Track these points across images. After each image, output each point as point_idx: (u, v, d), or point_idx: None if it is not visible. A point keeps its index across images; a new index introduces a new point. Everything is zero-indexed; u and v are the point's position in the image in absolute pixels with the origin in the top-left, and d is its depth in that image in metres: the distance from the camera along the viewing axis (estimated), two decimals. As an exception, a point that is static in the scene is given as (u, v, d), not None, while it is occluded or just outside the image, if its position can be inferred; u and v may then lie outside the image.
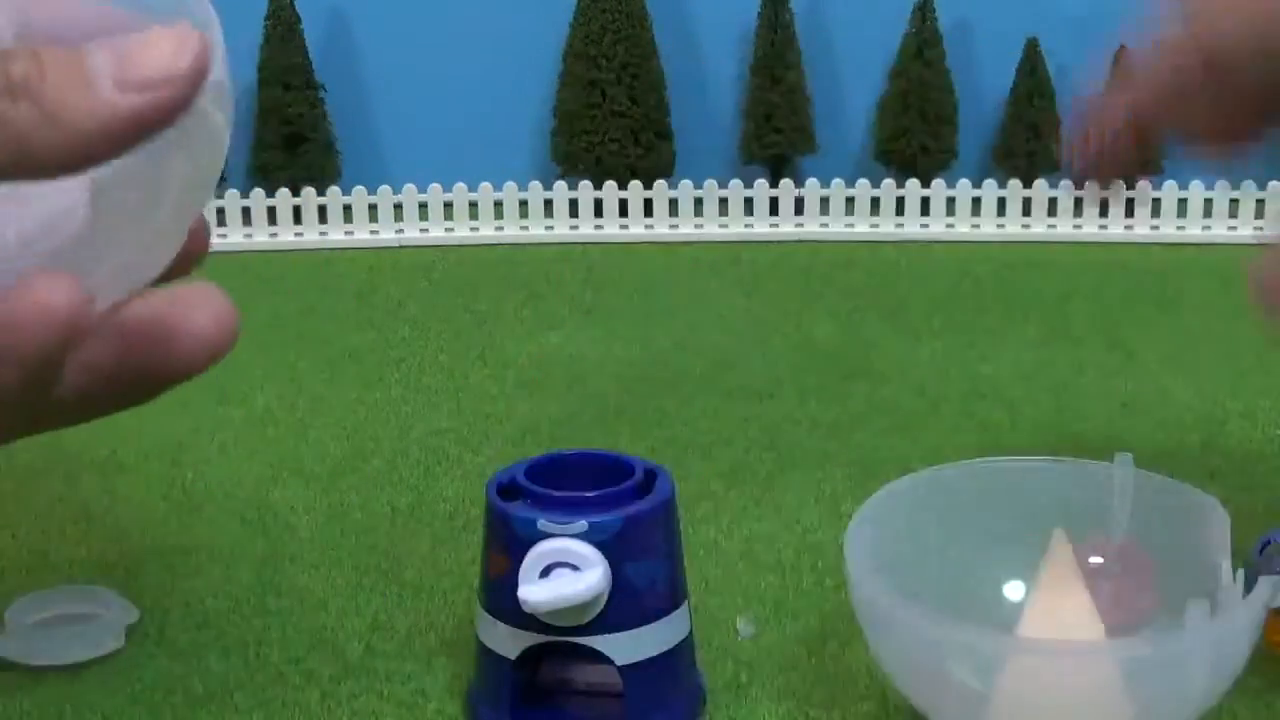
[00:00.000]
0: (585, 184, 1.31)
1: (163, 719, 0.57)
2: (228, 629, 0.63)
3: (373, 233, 1.30)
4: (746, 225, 1.30)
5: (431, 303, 1.12)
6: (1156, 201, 1.28)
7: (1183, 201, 1.27)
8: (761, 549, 0.70)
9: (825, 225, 1.30)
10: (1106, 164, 0.55)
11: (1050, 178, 1.30)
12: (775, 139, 1.36)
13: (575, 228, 1.31)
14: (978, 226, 1.29)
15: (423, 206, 1.30)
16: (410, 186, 1.30)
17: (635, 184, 1.30)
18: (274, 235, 1.30)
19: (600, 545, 0.51)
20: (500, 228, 1.31)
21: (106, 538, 0.72)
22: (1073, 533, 0.56)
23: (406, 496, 0.76)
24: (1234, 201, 1.27)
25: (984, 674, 0.49)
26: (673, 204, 1.31)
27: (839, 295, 1.12)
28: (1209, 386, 0.90)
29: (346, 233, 1.30)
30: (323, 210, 1.30)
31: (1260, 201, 1.26)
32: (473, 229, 1.30)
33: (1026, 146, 1.34)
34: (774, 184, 1.31)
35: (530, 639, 0.53)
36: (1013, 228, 1.29)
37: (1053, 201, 1.29)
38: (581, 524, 0.51)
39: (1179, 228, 1.27)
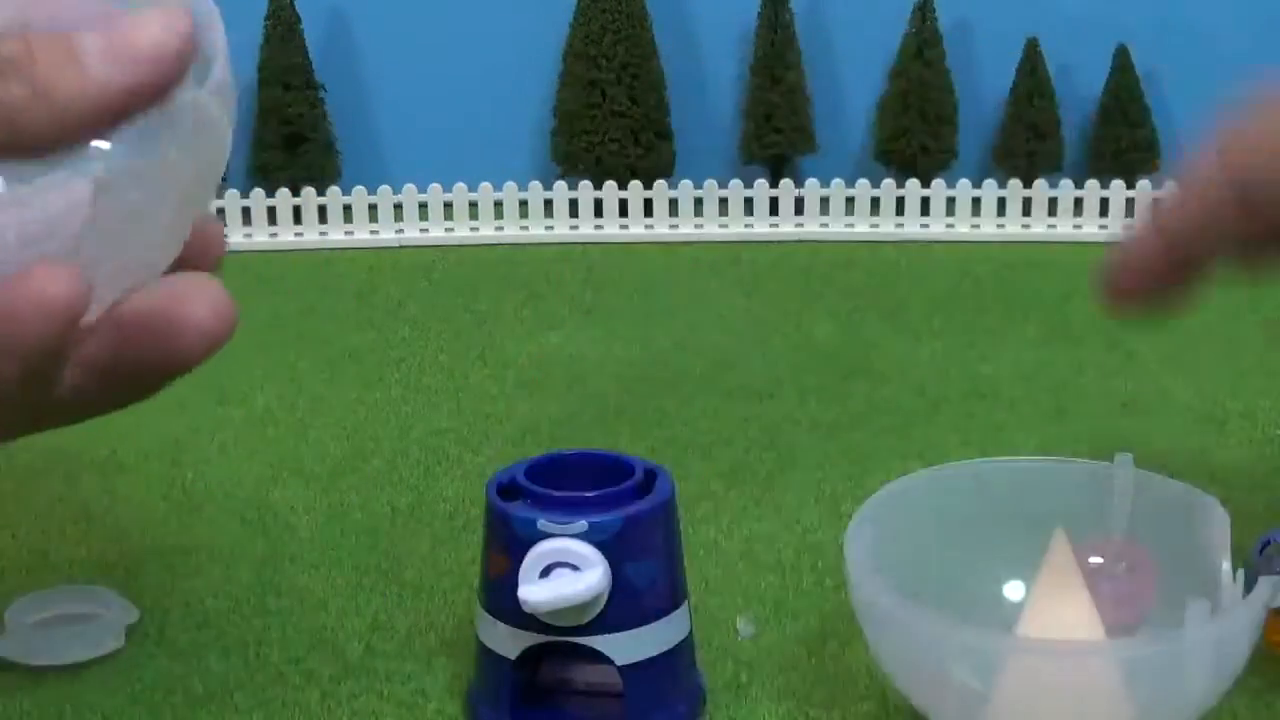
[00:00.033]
0: (585, 184, 1.31)
1: (163, 719, 0.57)
2: (228, 629, 0.63)
3: (373, 233, 1.30)
4: (746, 225, 1.30)
5: (431, 303, 1.12)
6: (1157, 201, 1.28)
7: (1183, 201, 1.27)
8: (761, 549, 0.70)
9: (825, 225, 1.30)
10: (1143, 293, 0.56)
11: (1050, 178, 1.30)
12: (775, 139, 1.36)
13: (575, 228, 1.31)
14: (978, 226, 1.29)
15: (423, 206, 1.30)
16: (410, 186, 1.30)
17: (635, 184, 1.30)
18: (274, 235, 1.30)
19: (600, 545, 0.51)
20: (500, 228, 1.31)
21: (106, 538, 0.72)
22: (1073, 533, 0.56)
23: (406, 496, 0.76)
24: (1234, 201, 1.27)
25: (984, 674, 0.49)
26: (673, 204, 1.31)
27: (839, 295, 1.12)
28: (1209, 386, 0.90)
29: (346, 233, 1.30)
30: (323, 210, 1.30)
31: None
32: (473, 229, 1.30)
33: (1026, 146, 1.34)
34: (774, 184, 1.31)
35: (530, 639, 0.53)
36: (1013, 228, 1.29)
37: (1053, 201, 1.29)
38: (581, 524, 0.51)
39: (1179, 228, 1.27)
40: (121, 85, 0.35)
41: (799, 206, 1.31)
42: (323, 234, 1.30)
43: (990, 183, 1.29)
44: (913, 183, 1.29)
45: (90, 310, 0.36)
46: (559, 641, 0.53)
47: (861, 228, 1.30)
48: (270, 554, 0.70)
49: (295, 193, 1.30)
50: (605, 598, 0.52)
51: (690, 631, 0.56)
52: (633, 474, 0.54)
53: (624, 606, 0.52)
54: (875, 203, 1.30)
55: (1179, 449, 0.81)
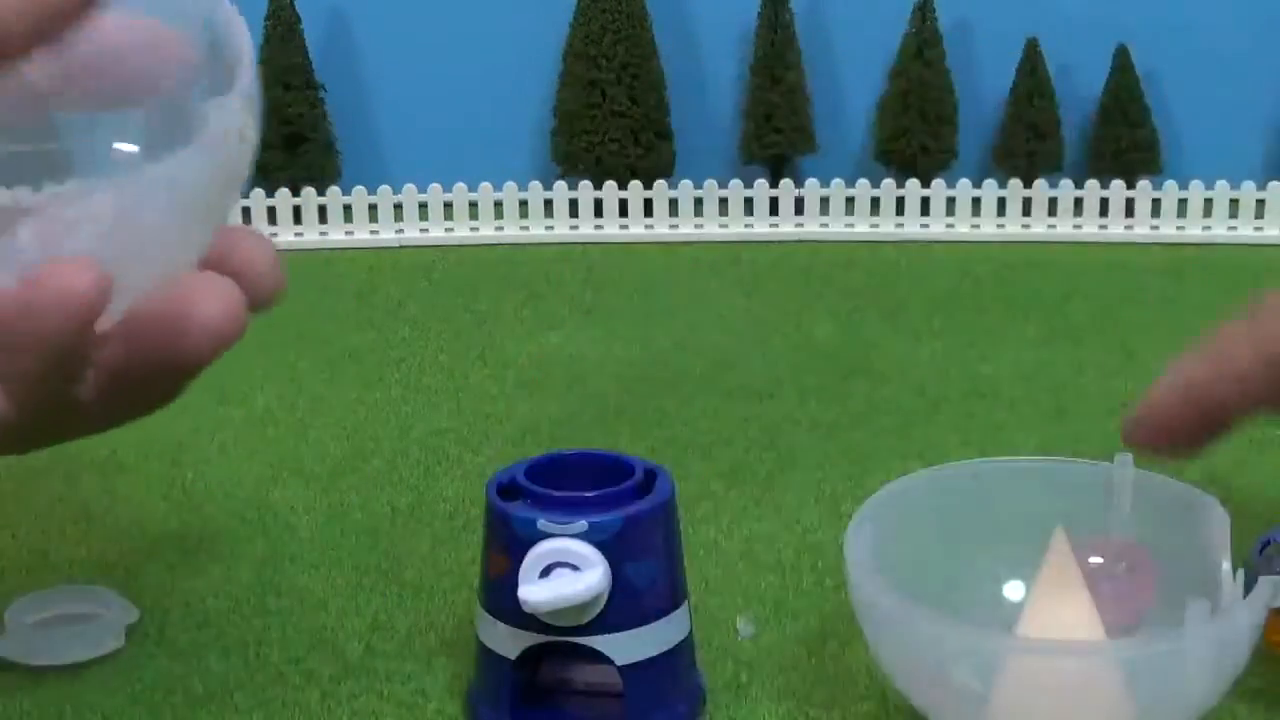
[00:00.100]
0: (585, 184, 1.31)
1: (163, 719, 0.57)
2: (228, 629, 0.63)
3: (373, 233, 1.30)
4: (746, 225, 1.30)
5: (431, 303, 1.12)
6: (1156, 202, 1.28)
7: (1183, 201, 1.27)
8: (761, 549, 0.70)
9: (825, 225, 1.30)
10: (1167, 447, 0.56)
11: (1050, 178, 1.30)
12: (775, 139, 1.36)
13: (575, 228, 1.31)
14: (978, 226, 1.29)
15: (423, 206, 1.30)
16: (410, 186, 1.30)
17: (635, 184, 1.30)
18: (274, 235, 1.30)
19: (600, 545, 0.51)
20: (500, 228, 1.31)
21: (106, 538, 0.72)
22: (1073, 533, 0.56)
23: (406, 496, 0.76)
24: (1234, 201, 1.27)
25: (984, 674, 0.49)
26: (673, 204, 1.31)
27: (839, 295, 1.12)
28: (1209, 386, 0.90)
29: (346, 233, 1.30)
30: (323, 210, 1.30)
31: (1260, 201, 1.26)
32: (473, 229, 1.30)
33: (1026, 146, 1.34)
34: (774, 184, 1.31)
35: (530, 639, 0.53)
36: (1013, 228, 1.29)
37: (1053, 201, 1.29)
38: (581, 524, 0.51)
39: (1179, 228, 1.27)
40: None
41: (799, 206, 1.31)
42: (323, 234, 1.30)
43: (990, 183, 1.29)
44: (913, 183, 1.29)
45: (108, 312, 0.36)
46: (559, 641, 0.53)
47: (861, 228, 1.29)
48: (270, 554, 0.70)
49: (295, 193, 1.30)
50: (605, 598, 0.52)
51: (690, 631, 0.56)
52: (633, 474, 0.54)
53: (624, 606, 0.52)
54: (875, 203, 1.30)
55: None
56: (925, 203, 1.29)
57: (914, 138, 1.35)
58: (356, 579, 0.67)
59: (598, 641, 0.52)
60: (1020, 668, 0.49)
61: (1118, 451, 0.58)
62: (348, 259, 1.26)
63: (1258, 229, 1.26)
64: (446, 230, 1.30)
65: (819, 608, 0.64)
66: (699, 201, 1.31)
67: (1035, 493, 0.58)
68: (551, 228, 1.31)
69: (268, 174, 1.34)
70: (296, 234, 1.30)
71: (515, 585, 0.51)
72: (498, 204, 1.31)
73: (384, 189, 1.30)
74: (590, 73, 1.35)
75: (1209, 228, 1.27)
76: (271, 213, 1.29)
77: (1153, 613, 0.55)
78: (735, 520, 0.73)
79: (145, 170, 0.36)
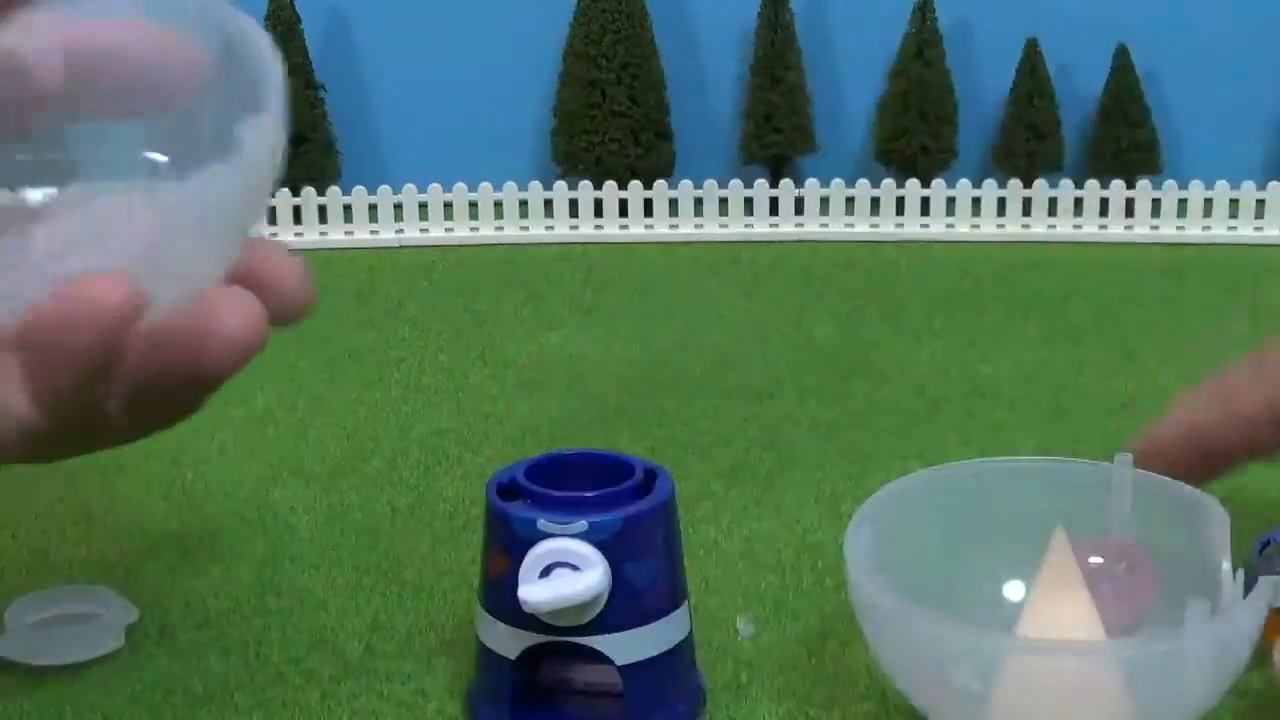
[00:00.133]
0: (585, 184, 1.31)
1: (163, 719, 0.57)
2: (228, 629, 0.63)
3: (373, 233, 1.30)
4: (746, 225, 1.30)
5: (431, 303, 1.12)
6: (1156, 202, 1.28)
7: (1183, 201, 1.27)
8: (761, 549, 0.70)
9: (825, 225, 1.30)
10: (1170, 476, 0.57)
11: (1050, 178, 1.30)
12: (775, 139, 1.36)
13: (575, 228, 1.31)
14: (978, 226, 1.29)
15: (423, 206, 1.30)
16: (410, 186, 1.30)
17: (635, 184, 1.30)
18: (274, 235, 1.30)
19: (600, 545, 0.51)
20: (500, 228, 1.31)
21: (106, 538, 0.72)
22: (1073, 533, 0.56)
23: (406, 496, 0.76)
24: (1234, 201, 1.27)
25: (984, 674, 0.49)
26: (673, 204, 1.31)
27: (839, 295, 1.12)
28: (1209, 386, 0.90)
29: (346, 233, 1.30)
30: (323, 210, 1.30)
31: (1260, 201, 1.26)
32: (473, 229, 1.30)
33: (1026, 146, 1.34)
34: (774, 184, 1.31)
35: (530, 639, 0.53)
36: (1013, 228, 1.29)
37: (1053, 201, 1.29)
38: (581, 524, 0.51)
39: (1179, 228, 1.27)
40: None
41: (799, 206, 1.31)
42: (323, 234, 1.30)
43: (990, 183, 1.29)
44: (913, 183, 1.29)
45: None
46: (559, 641, 0.53)
47: (861, 228, 1.29)
48: (270, 554, 0.70)
49: (295, 193, 1.30)
50: (605, 598, 0.52)
51: (690, 631, 0.56)
52: (633, 474, 0.54)
53: (624, 606, 0.52)
54: (875, 203, 1.30)
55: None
56: (925, 203, 1.29)
57: (914, 138, 1.35)
58: (356, 579, 0.67)
59: (598, 641, 0.52)
60: (1020, 668, 0.49)
61: (1118, 451, 0.58)
62: (348, 259, 1.26)
63: (1258, 229, 1.26)
64: (446, 230, 1.30)
65: (819, 608, 0.64)
66: (699, 201, 1.31)
67: (1035, 493, 0.58)
68: (551, 228, 1.31)
69: (268, 174, 1.34)
70: (296, 234, 1.30)
71: (515, 585, 0.51)
72: (498, 204, 1.31)
73: (384, 189, 1.30)
74: (590, 73, 1.35)
75: (1209, 228, 1.27)
76: (271, 213, 1.29)
77: (1153, 613, 0.55)
78: (735, 520, 0.73)
79: (180, 185, 0.36)
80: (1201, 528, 0.54)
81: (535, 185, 1.31)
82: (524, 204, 1.31)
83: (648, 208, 1.31)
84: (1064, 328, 1.03)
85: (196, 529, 0.73)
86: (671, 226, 1.31)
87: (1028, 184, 1.29)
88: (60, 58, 0.40)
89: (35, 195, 0.40)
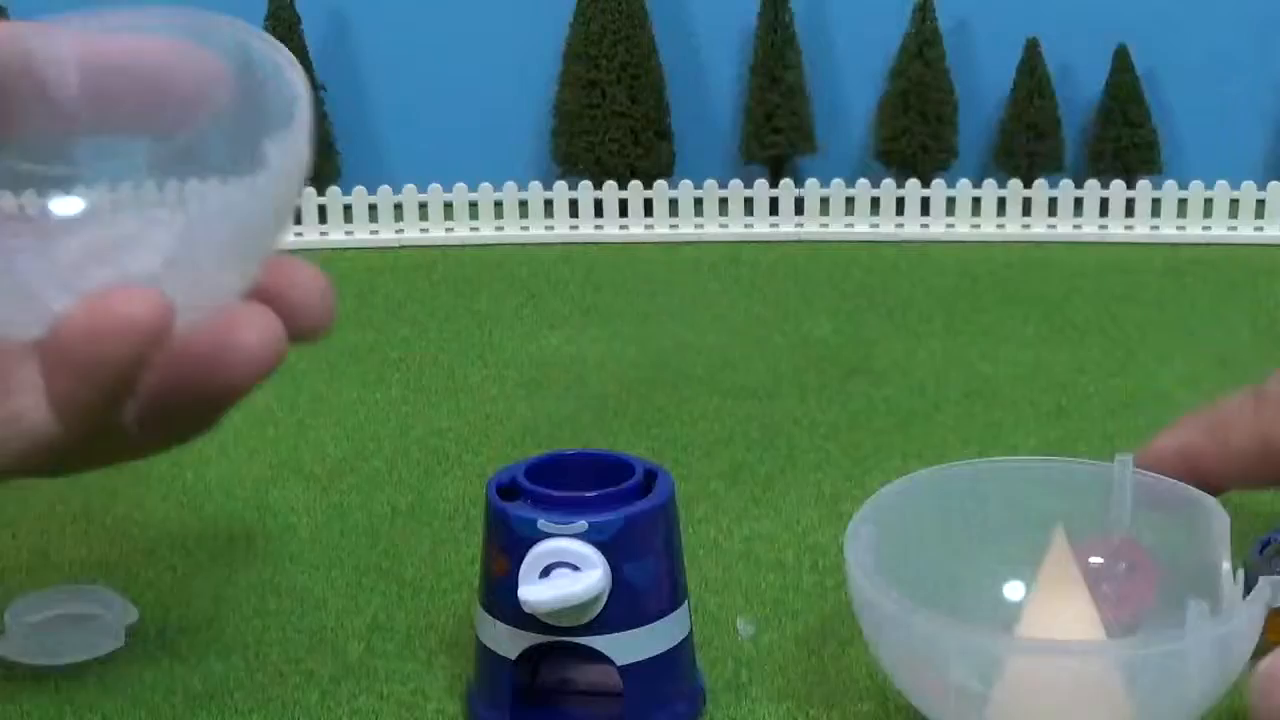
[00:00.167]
0: (585, 184, 1.31)
1: (162, 719, 0.57)
2: (228, 629, 0.63)
3: (373, 233, 1.30)
4: (746, 225, 1.30)
5: (431, 303, 1.12)
6: (1156, 201, 1.28)
7: (1183, 201, 1.27)
8: (761, 549, 0.70)
9: (825, 225, 1.30)
10: None
11: (1050, 178, 1.30)
12: (775, 139, 1.36)
13: (575, 228, 1.31)
14: (978, 226, 1.29)
15: (423, 206, 1.30)
16: (410, 186, 1.30)
17: (635, 184, 1.30)
18: (274, 235, 1.29)
19: (600, 545, 0.51)
20: (500, 228, 1.31)
21: (106, 538, 0.72)
22: (1073, 533, 0.56)
23: (406, 496, 0.76)
24: (1234, 201, 1.27)
25: (984, 674, 0.49)
26: (673, 204, 1.31)
27: (839, 295, 1.12)
28: (1209, 386, 0.90)
29: (346, 233, 1.30)
30: (323, 210, 1.30)
31: (1260, 201, 1.26)
32: (473, 229, 1.30)
33: (1026, 146, 1.34)
34: (774, 184, 1.30)
35: (530, 639, 0.53)
36: (1013, 228, 1.29)
37: (1053, 201, 1.29)
38: (581, 524, 0.51)
39: (1179, 228, 1.27)
40: None
41: (799, 206, 1.31)
42: (323, 234, 1.30)
43: (990, 183, 1.29)
44: (913, 183, 1.29)
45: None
46: (559, 641, 0.53)
47: (861, 228, 1.29)
48: (270, 554, 0.70)
49: (295, 193, 1.30)
50: (605, 598, 0.52)
51: (690, 631, 0.56)
52: (633, 474, 0.54)
53: (624, 606, 0.52)
54: (875, 203, 1.30)
55: (1179, 449, 0.81)
56: (925, 203, 1.29)
57: (914, 138, 1.35)
58: (356, 579, 0.67)
59: (598, 641, 0.52)
60: (1020, 668, 0.49)
61: (1118, 451, 0.58)
62: (348, 259, 1.26)
63: (1258, 229, 1.26)
64: (446, 230, 1.30)
65: (819, 608, 0.64)
66: (699, 201, 1.31)
67: (1035, 493, 0.58)
68: (551, 228, 1.31)
69: (268, 174, 1.34)
70: (296, 234, 1.29)
71: (515, 585, 0.51)
72: (498, 204, 1.31)
73: (384, 189, 1.30)
74: (590, 73, 1.35)
75: (1209, 228, 1.27)
76: (271, 213, 1.29)
77: (1153, 613, 0.55)
78: (735, 520, 0.73)
79: (204, 201, 0.36)
80: (1201, 528, 0.54)
81: (535, 185, 1.31)
82: (524, 204, 1.31)
83: (648, 208, 1.31)
84: (1064, 328, 1.03)
85: (196, 529, 0.73)
86: (671, 226, 1.31)
87: (1028, 184, 1.29)
88: (75, 64, 0.40)
89: (59, 206, 0.40)
